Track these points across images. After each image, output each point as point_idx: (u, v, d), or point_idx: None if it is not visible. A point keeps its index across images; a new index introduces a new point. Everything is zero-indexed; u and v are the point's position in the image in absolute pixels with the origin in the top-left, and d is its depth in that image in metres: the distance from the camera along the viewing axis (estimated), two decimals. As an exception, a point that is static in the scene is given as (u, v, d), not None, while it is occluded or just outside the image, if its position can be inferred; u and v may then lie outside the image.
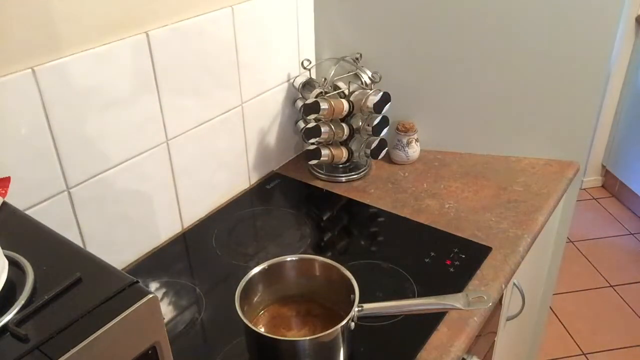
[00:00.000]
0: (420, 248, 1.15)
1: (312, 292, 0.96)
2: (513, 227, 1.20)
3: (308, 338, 0.84)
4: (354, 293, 0.87)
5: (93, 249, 1.03)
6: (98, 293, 0.54)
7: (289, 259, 0.95)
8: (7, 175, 0.78)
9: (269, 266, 0.94)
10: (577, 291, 2.47)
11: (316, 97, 1.31)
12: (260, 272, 0.93)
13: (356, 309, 0.85)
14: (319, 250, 1.17)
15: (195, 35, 1.11)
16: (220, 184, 1.30)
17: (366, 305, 0.86)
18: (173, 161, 1.15)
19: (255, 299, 0.93)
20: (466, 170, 1.42)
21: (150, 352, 0.55)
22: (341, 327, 0.82)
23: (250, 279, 0.91)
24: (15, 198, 0.73)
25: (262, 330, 0.92)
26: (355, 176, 1.40)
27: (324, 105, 1.28)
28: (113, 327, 0.51)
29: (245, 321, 0.83)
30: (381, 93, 1.30)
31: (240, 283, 0.89)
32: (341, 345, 0.86)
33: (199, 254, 1.18)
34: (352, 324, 0.85)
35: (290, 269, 0.95)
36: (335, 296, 0.93)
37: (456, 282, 1.06)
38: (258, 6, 1.24)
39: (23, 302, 0.52)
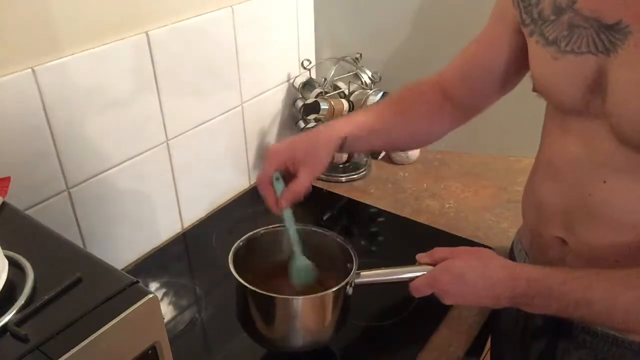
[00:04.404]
0: (420, 248, 1.15)
1: None
2: (513, 227, 1.20)
3: (301, 297, 0.81)
4: (351, 262, 0.84)
5: (93, 249, 1.03)
6: (98, 293, 0.54)
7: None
8: (7, 175, 0.77)
9: (264, 233, 0.91)
10: (577, 291, 2.46)
11: (316, 97, 1.31)
12: (256, 238, 0.90)
13: (354, 274, 0.82)
14: (319, 250, 1.16)
15: (195, 35, 1.11)
16: (220, 184, 1.30)
17: (364, 272, 0.83)
18: (173, 161, 1.15)
19: (249, 266, 0.88)
20: (466, 170, 1.42)
21: (150, 352, 0.55)
22: (337, 289, 0.80)
23: (246, 242, 0.88)
24: (15, 198, 0.73)
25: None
26: (355, 176, 1.40)
27: (324, 105, 1.28)
28: (113, 327, 0.51)
29: (237, 277, 0.80)
30: (381, 93, 1.30)
31: (236, 244, 0.87)
32: (337, 308, 0.84)
33: (199, 254, 1.18)
34: (350, 289, 0.83)
35: (286, 238, 0.89)
36: (332, 267, 0.89)
37: (456, 282, 1.05)
38: (258, 6, 1.24)
39: (23, 302, 0.52)
